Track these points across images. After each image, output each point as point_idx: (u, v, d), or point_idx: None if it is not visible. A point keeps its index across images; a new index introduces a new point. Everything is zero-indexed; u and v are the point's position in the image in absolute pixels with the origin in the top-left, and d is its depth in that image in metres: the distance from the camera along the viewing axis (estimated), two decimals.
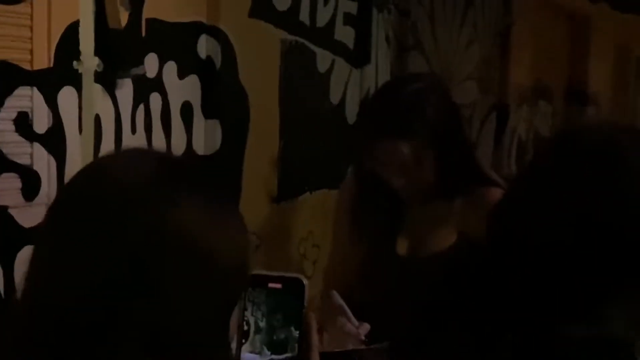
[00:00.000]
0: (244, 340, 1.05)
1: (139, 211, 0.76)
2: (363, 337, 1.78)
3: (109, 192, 0.78)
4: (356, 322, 1.78)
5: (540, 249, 0.77)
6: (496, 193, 1.82)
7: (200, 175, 0.83)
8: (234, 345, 1.02)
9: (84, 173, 0.83)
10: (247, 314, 1.06)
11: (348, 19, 3.37)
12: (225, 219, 0.81)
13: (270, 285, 1.07)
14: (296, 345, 1.04)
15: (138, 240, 0.75)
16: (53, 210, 0.81)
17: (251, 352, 1.05)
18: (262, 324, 1.06)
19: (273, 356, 1.04)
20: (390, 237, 1.86)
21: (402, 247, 1.86)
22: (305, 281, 1.07)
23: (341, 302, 1.82)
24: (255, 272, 1.07)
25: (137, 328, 0.74)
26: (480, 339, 0.74)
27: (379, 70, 3.57)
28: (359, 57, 3.42)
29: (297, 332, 1.04)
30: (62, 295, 0.76)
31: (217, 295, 0.78)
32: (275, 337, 1.05)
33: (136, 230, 0.75)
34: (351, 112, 3.43)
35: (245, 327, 1.06)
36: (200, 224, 0.77)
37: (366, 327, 1.78)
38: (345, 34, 3.36)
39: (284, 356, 1.04)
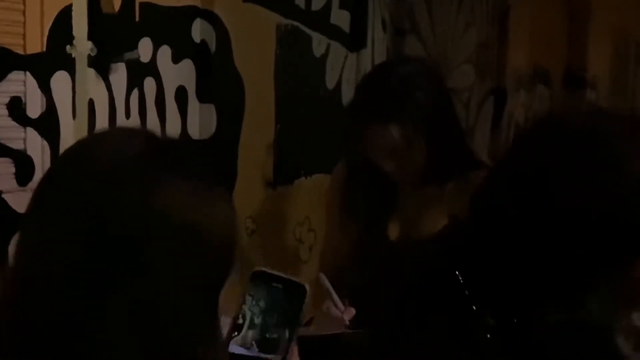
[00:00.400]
0: (236, 333, 1.05)
1: (124, 187, 0.76)
2: (347, 322, 1.79)
3: (96, 168, 0.78)
4: (342, 306, 1.78)
5: (519, 233, 0.77)
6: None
7: (187, 154, 0.83)
8: (225, 331, 1.02)
9: (70, 152, 0.84)
10: (245, 307, 1.06)
11: (344, 3, 3.35)
12: (211, 196, 0.81)
13: (274, 284, 1.07)
14: (286, 348, 1.04)
15: (123, 216, 0.75)
16: (39, 188, 0.82)
17: (241, 345, 1.05)
18: (257, 320, 1.06)
19: (261, 354, 1.04)
20: (382, 220, 1.87)
21: (393, 230, 1.87)
22: (308, 288, 1.07)
23: (328, 285, 1.83)
24: (262, 269, 1.07)
25: (123, 305, 0.74)
26: (461, 324, 0.75)
27: (375, 54, 3.56)
28: (354, 41, 3.41)
29: (290, 335, 1.04)
30: (49, 272, 0.77)
31: (202, 273, 0.78)
32: (267, 336, 1.05)
33: (122, 206, 0.75)
34: (347, 97, 3.42)
35: (240, 320, 1.06)
36: (186, 201, 0.77)
37: (351, 311, 1.79)
38: (341, 18, 3.35)
39: (271, 356, 1.04)
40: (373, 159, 1.80)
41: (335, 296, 1.83)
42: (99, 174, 0.77)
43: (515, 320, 0.76)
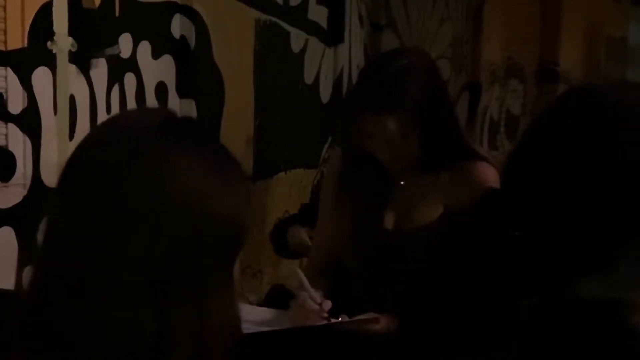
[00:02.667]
0: None
1: (142, 161, 0.80)
2: (325, 314, 1.81)
3: (113, 145, 0.83)
4: (318, 299, 1.80)
5: (550, 203, 0.77)
6: (482, 167, 1.85)
7: (203, 131, 0.89)
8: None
9: (90, 134, 0.88)
10: None
11: None
12: (227, 167, 0.85)
13: None
14: None
15: (142, 188, 0.79)
16: (65, 169, 0.86)
17: None
18: None
19: None
20: (377, 210, 1.89)
21: (388, 220, 1.88)
22: None
23: (303, 278, 1.85)
24: None
25: (141, 264, 0.79)
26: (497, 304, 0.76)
27: (352, 49, 3.58)
28: (332, 36, 3.43)
29: None
30: (74, 237, 0.81)
31: (217, 239, 0.82)
32: None
33: (140, 180, 0.80)
34: (325, 92, 3.45)
35: None
36: (203, 172, 0.81)
37: (328, 304, 1.81)
38: (318, 14, 3.36)
39: None
40: (368, 149, 1.82)
41: (311, 289, 1.85)
42: (116, 150, 0.81)
43: (546, 297, 0.77)
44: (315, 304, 1.82)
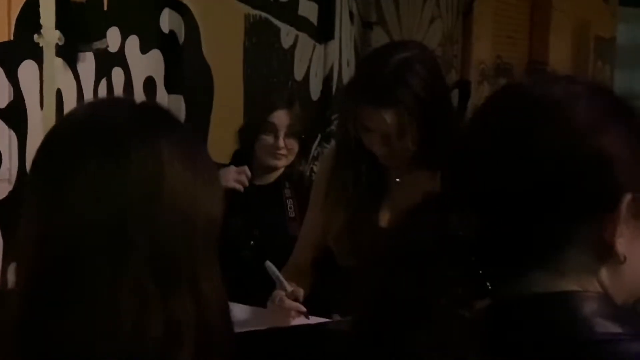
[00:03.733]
0: None
1: (125, 156, 0.81)
2: (303, 309, 1.79)
3: (90, 136, 0.83)
4: (289, 288, 1.78)
5: (487, 201, 0.78)
6: None
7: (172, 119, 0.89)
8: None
9: (62, 121, 0.89)
10: None
11: None
12: (198, 155, 0.86)
13: None
14: None
15: (139, 172, 0.80)
16: (37, 157, 0.85)
17: None
18: None
19: None
20: (372, 207, 1.85)
21: (384, 217, 1.85)
22: None
23: (277, 274, 1.82)
24: None
25: (144, 260, 0.79)
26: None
27: (342, 46, 3.56)
28: (322, 32, 3.41)
29: None
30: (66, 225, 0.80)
31: (203, 230, 0.83)
32: None
33: (125, 169, 0.81)
34: (315, 88, 3.42)
35: None
36: (182, 168, 0.83)
37: (300, 292, 1.79)
38: (309, 10, 3.34)
39: None
40: (365, 143, 1.79)
41: (284, 282, 1.82)
42: (94, 140, 0.81)
43: (494, 293, 0.77)
44: (291, 299, 1.80)
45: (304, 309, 1.80)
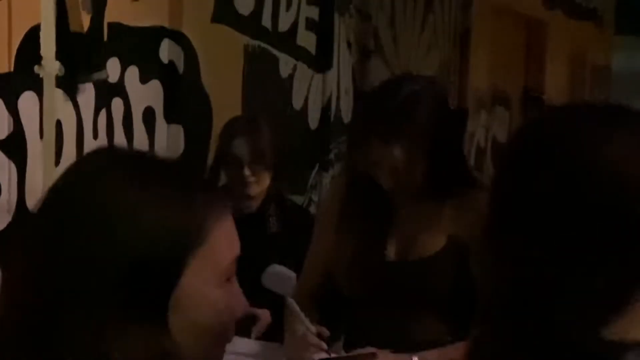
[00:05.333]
0: None
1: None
2: (325, 346, 1.77)
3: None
4: (313, 329, 1.77)
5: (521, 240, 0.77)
6: (487, 196, 1.81)
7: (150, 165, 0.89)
8: None
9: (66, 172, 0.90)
10: None
11: (310, 24, 3.37)
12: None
13: None
14: None
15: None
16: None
17: None
18: None
19: None
20: (379, 239, 1.85)
21: (391, 249, 1.84)
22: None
23: (298, 310, 1.81)
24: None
25: (111, 288, 0.80)
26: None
27: (340, 75, 3.58)
28: (320, 62, 3.43)
29: None
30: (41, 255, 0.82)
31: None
32: None
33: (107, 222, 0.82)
34: (313, 117, 3.43)
35: None
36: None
37: (326, 332, 1.78)
38: (307, 39, 3.36)
39: None
40: (373, 175, 1.79)
41: (306, 320, 1.81)
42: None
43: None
44: (314, 336, 1.78)
45: (325, 346, 1.78)
